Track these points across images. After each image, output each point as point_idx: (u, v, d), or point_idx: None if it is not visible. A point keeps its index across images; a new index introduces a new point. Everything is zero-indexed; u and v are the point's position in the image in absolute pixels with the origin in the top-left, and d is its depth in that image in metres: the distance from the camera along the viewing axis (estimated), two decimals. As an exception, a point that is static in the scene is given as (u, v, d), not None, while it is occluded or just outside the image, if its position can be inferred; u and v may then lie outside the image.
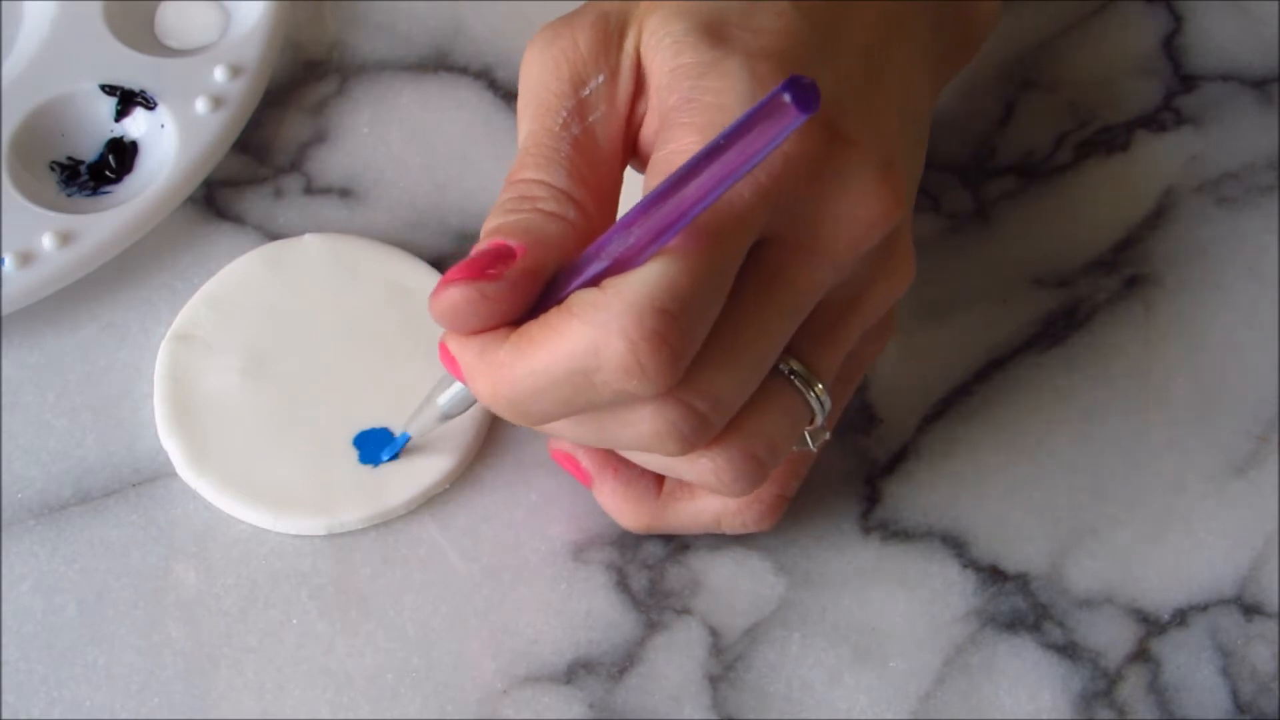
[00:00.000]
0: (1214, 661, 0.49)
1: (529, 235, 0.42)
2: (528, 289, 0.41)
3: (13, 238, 0.52)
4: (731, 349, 0.41)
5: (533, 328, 0.41)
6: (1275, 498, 0.51)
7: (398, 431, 0.50)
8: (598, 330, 0.39)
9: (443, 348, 0.43)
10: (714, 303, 0.40)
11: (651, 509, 0.48)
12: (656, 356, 0.39)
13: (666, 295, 0.39)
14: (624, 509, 0.48)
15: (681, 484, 0.47)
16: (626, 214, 0.40)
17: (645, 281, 0.39)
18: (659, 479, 0.48)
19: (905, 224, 0.45)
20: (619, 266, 0.40)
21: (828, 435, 0.46)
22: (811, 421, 0.44)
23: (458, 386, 0.47)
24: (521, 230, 0.42)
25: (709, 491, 0.46)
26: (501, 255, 0.41)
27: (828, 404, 0.44)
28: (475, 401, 0.47)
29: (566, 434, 0.44)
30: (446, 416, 0.48)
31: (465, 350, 0.42)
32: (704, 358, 0.41)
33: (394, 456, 0.50)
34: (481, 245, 0.42)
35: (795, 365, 0.43)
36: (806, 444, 0.46)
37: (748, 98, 0.41)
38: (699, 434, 0.41)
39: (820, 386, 0.44)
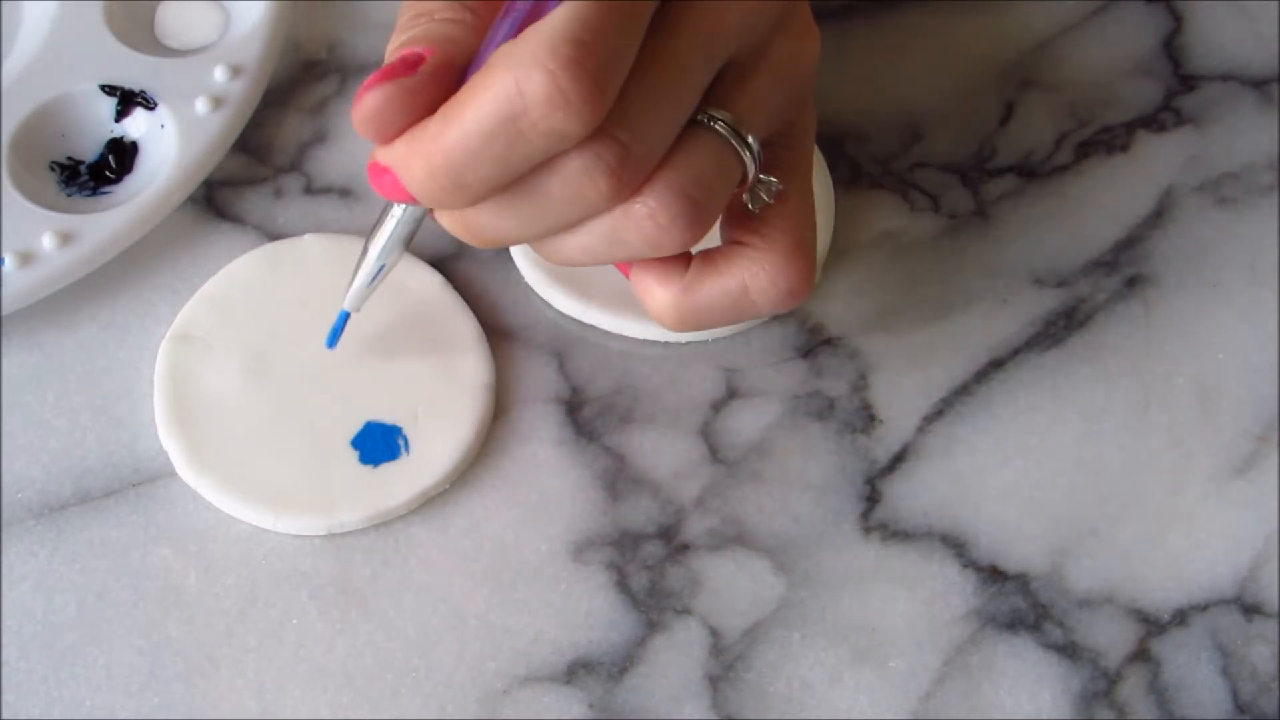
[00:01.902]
0: (1214, 661, 0.49)
1: (432, 40, 0.43)
2: (445, 79, 0.43)
3: (13, 238, 0.52)
4: (648, 87, 0.43)
5: (458, 94, 0.42)
6: (1275, 498, 0.51)
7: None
8: (516, 71, 0.41)
9: (372, 166, 0.44)
10: (627, 36, 0.42)
11: (680, 286, 0.47)
12: (577, 82, 0.40)
13: (578, 26, 0.41)
14: (655, 291, 0.48)
15: (706, 261, 0.47)
16: None
17: (557, 18, 0.41)
18: (686, 266, 0.48)
19: (802, 3, 0.48)
20: (529, 21, 0.42)
21: (779, 186, 0.46)
22: (744, 172, 0.45)
23: (389, 221, 0.47)
24: (424, 39, 0.43)
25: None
26: (411, 59, 0.43)
27: (756, 148, 0.45)
28: (407, 232, 0.47)
29: (509, 228, 0.45)
30: (383, 263, 0.48)
31: (393, 148, 0.43)
32: (622, 97, 0.42)
33: (337, 336, 0.50)
34: (389, 60, 0.43)
35: (715, 113, 0.45)
36: (761, 200, 0.46)
37: None
38: (625, 165, 0.42)
39: (743, 130, 0.45)
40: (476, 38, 0.44)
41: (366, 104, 0.43)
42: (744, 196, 0.46)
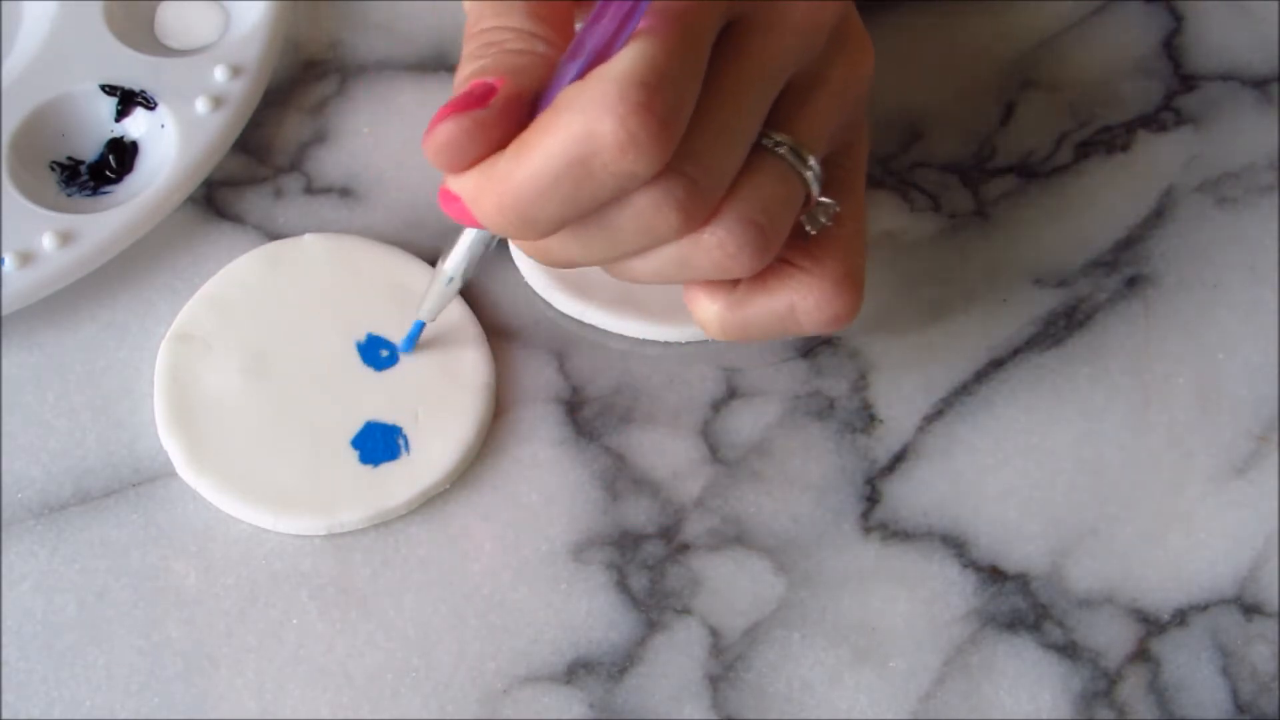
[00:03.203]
0: (1214, 661, 0.49)
1: (501, 71, 0.43)
2: (516, 114, 0.43)
3: (13, 238, 0.52)
4: (713, 120, 0.43)
5: (527, 133, 0.42)
6: (1275, 498, 0.51)
7: (408, 326, 0.51)
8: (586, 115, 0.41)
9: (443, 192, 0.44)
10: (691, 75, 0.42)
11: (728, 301, 0.48)
12: (645, 126, 0.41)
13: (645, 69, 0.41)
14: (703, 301, 0.48)
15: (756, 278, 0.47)
16: (594, 9, 0.42)
17: (623, 62, 0.41)
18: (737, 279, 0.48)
19: (853, 12, 0.48)
20: (596, 62, 0.42)
21: (837, 208, 0.47)
22: (807, 194, 0.46)
23: (461, 242, 0.48)
24: (494, 69, 0.43)
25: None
26: (483, 89, 0.43)
27: (817, 170, 0.45)
28: (478, 253, 0.48)
29: (576, 255, 0.45)
30: (453, 279, 0.49)
31: (465, 180, 0.43)
32: (688, 132, 0.42)
33: (410, 348, 0.51)
34: (460, 89, 0.43)
35: (778, 137, 0.45)
36: (819, 223, 0.47)
37: None
38: (693, 199, 0.43)
39: (805, 153, 0.45)
40: (547, 70, 0.44)
41: (439, 135, 0.43)
42: (802, 219, 0.46)
